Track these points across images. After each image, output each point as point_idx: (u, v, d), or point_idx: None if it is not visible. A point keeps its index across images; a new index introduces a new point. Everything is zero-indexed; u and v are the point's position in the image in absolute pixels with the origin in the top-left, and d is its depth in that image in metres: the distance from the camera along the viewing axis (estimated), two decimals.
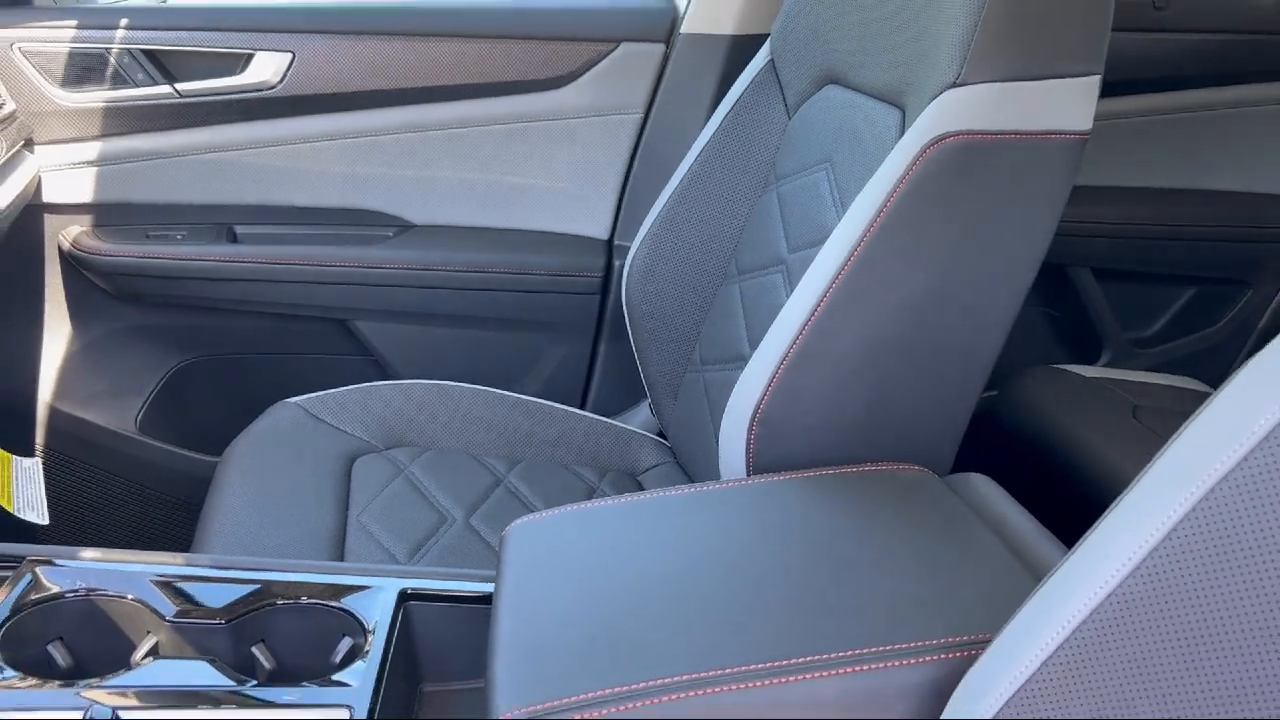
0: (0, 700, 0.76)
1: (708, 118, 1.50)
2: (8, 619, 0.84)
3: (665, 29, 1.67)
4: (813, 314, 1.04)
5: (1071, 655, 0.64)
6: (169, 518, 1.72)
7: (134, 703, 0.77)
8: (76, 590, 0.88)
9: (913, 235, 1.02)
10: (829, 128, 1.31)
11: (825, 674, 0.74)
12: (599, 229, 1.74)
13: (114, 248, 1.59)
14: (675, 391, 1.50)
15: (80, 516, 1.69)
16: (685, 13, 1.67)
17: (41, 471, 1.37)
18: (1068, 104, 1.02)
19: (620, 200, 1.74)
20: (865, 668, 0.75)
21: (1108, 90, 1.87)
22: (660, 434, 1.56)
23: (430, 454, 1.45)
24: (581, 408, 1.77)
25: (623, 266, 1.51)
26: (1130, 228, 1.89)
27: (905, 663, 0.75)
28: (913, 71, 1.11)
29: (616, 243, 1.74)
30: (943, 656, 0.75)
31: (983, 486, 1.04)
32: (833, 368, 1.05)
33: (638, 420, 1.69)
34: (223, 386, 1.74)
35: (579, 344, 1.76)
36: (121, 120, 1.57)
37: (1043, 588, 0.67)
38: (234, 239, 1.65)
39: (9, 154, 1.44)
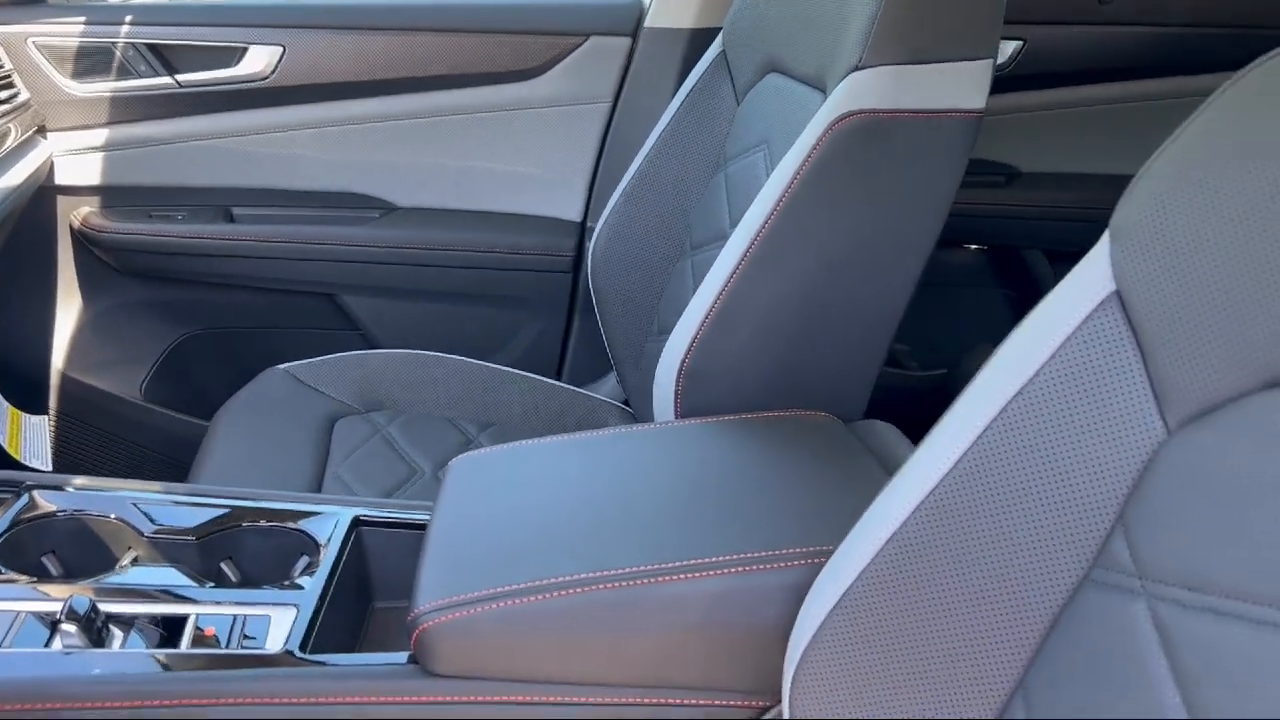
0: None
1: None
2: (6, 531, 0.96)
3: (631, 23, 1.79)
4: (730, 278, 1.15)
5: (895, 550, 0.75)
6: (168, 480, 1.85)
7: (113, 598, 0.89)
8: (66, 510, 1.00)
9: (820, 204, 1.13)
10: (768, 112, 1.42)
11: (700, 575, 0.86)
12: (572, 211, 1.86)
13: (120, 226, 1.73)
14: (637, 360, 1.61)
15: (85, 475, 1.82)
16: (650, 8, 1.78)
17: (48, 427, 1.50)
18: (961, 85, 1.13)
19: (591, 184, 1.86)
20: (735, 570, 0.86)
21: (1062, 80, 1.97)
22: (625, 402, 1.67)
23: (406, 417, 1.57)
24: (556, 379, 1.89)
25: None
26: (1081, 211, 1.99)
27: (772, 567, 0.86)
28: (830, 59, 1.22)
29: (588, 225, 1.86)
30: (805, 562, 0.86)
31: (884, 431, 1.14)
32: (749, 325, 1.16)
33: (605, 389, 1.81)
34: (221, 357, 1.87)
35: (553, 319, 1.87)
36: (127, 109, 1.71)
37: (878, 497, 0.78)
38: (231, 219, 1.78)
39: (23, 139, 1.57)
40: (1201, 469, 0.62)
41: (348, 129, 1.78)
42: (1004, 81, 1.93)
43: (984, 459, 0.71)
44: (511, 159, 1.83)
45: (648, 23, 1.78)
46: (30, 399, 1.72)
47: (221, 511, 1.03)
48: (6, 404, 1.50)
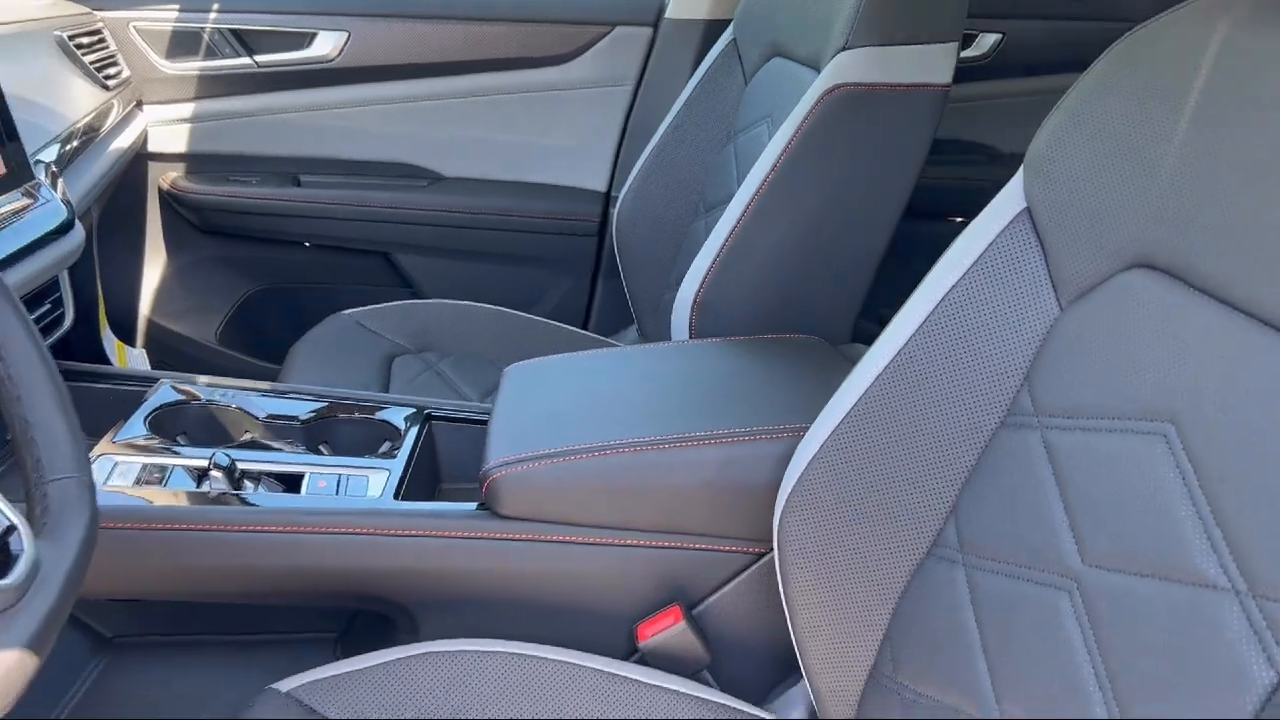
0: (154, 456, 1.11)
1: None
2: (151, 412, 1.19)
3: (653, 14, 2.01)
4: (736, 226, 1.37)
5: (857, 416, 0.96)
6: None
7: (243, 460, 1.12)
8: (198, 400, 1.23)
9: (811, 163, 1.35)
10: (772, 90, 1.64)
11: (708, 444, 1.08)
12: (598, 182, 2.08)
13: (202, 189, 1.96)
14: (654, 311, 1.83)
15: None
16: (669, 1, 2.00)
17: (147, 359, 1.72)
18: (931, 64, 1.34)
19: (616, 158, 2.08)
20: (736, 440, 1.08)
21: (1037, 70, 2.18)
22: None
23: (454, 357, 1.79)
24: (584, 329, 2.11)
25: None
26: None
27: (763, 438, 1.09)
28: (823, 43, 1.44)
29: (612, 194, 2.08)
30: (789, 435, 1.08)
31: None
32: (751, 265, 1.38)
33: (628, 340, 2.03)
34: (287, 309, 2.09)
35: (580, 277, 2.10)
36: (211, 86, 1.94)
37: (845, 380, 1.00)
38: (298, 184, 2.00)
39: (125, 112, 1.80)
40: (1081, 333, 0.84)
41: (402, 106, 2.00)
42: (985, 70, 2.14)
43: (924, 341, 0.93)
44: (545, 134, 2.05)
45: (668, 14, 2.00)
46: (124, 338, 1.95)
47: (320, 404, 1.26)
48: (114, 337, 1.73)
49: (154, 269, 2.01)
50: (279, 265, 2.07)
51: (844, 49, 1.34)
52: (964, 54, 2.16)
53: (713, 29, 1.95)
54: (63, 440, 0.73)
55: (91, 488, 0.73)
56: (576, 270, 2.09)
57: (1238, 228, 0.71)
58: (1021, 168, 0.92)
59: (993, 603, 0.85)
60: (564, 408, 1.16)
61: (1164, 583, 0.70)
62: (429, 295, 2.06)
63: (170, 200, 1.98)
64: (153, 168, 1.97)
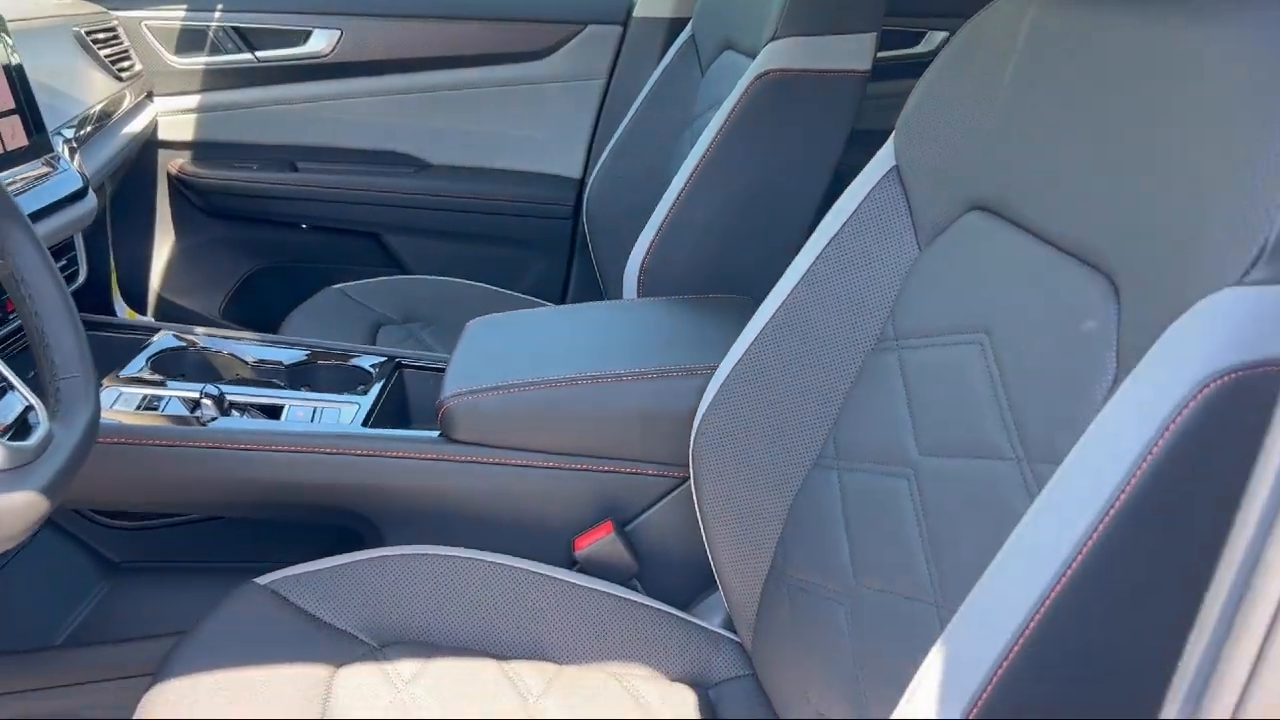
0: (153, 389, 1.27)
1: None
2: (151, 356, 1.35)
3: (623, 13, 2.16)
4: (678, 198, 1.52)
5: (751, 356, 1.11)
6: None
7: (232, 394, 1.27)
8: (194, 346, 1.38)
9: (744, 141, 1.50)
10: (722, 80, 1.79)
11: (637, 379, 1.23)
12: (572, 169, 2.23)
13: (207, 173, 2.12)
14: (621, 282, 1.98)
15: None
16: (637, 1, 2.16)
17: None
18: (851, 52, 1.49)
19: (589, 147, 2.23)
20: (658, 375, 1.23)
21: None
22: None
23: (436, 326, 1.94)
24: (561, 303, 2.26)
25: None
26: None
27: (682, 375, 1.23)
28: (759, 34, 1.59)
29: (586, 180, 2.23)
30: (706, 372, 1.23)
31: None
32: (691, 235, 1.53)
33: None
34: (285, 287, 2.25)
35: (557, 256, 2.25)
36: (216, 79, 2.10)
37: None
38: (295, 170, 2.16)
39: (135, 102, 1.96)
40: (932, 268, 0.99)
41: (390, 99, 2.16)
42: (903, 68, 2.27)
43: (810, 284, 1.08)
44: (523, 125, 2.20)
45: (636, 13, 2.15)
46: (135, 309, 2.11)
47: (303, 353, 1.41)
48: (126, 306, 1.89)
49: (164, 248, 2.17)
50: (278, 245, 2.22)
51: (774, 39, 1.49)
52: (915, 49, 2.31)
53: (676, 26, 2.11)
54: (71, 347, 0.88)
55: (95, 384, 0.88)
56: (553, 250, 2.24)
57: (1042, 175, 0.86)
58: (893, 132, 1.07)
59: (856, 497, 0.99)
60: (514, 350, 1.31)
61: (970, 460, 0.84)
62: (416, 273, 2.22)
63: (178, 184, 2.14)
64: (162, 154, 2.13)
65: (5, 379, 0.81)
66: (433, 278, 2.01)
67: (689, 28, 1.93)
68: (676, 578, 1.28)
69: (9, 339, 1.16)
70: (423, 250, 2.21)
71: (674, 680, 1.14)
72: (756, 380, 1.11)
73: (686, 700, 1.11)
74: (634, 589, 1.28)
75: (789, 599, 1.07)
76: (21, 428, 0.79)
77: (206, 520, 1.46)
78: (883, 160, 1.07)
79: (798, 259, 1.10)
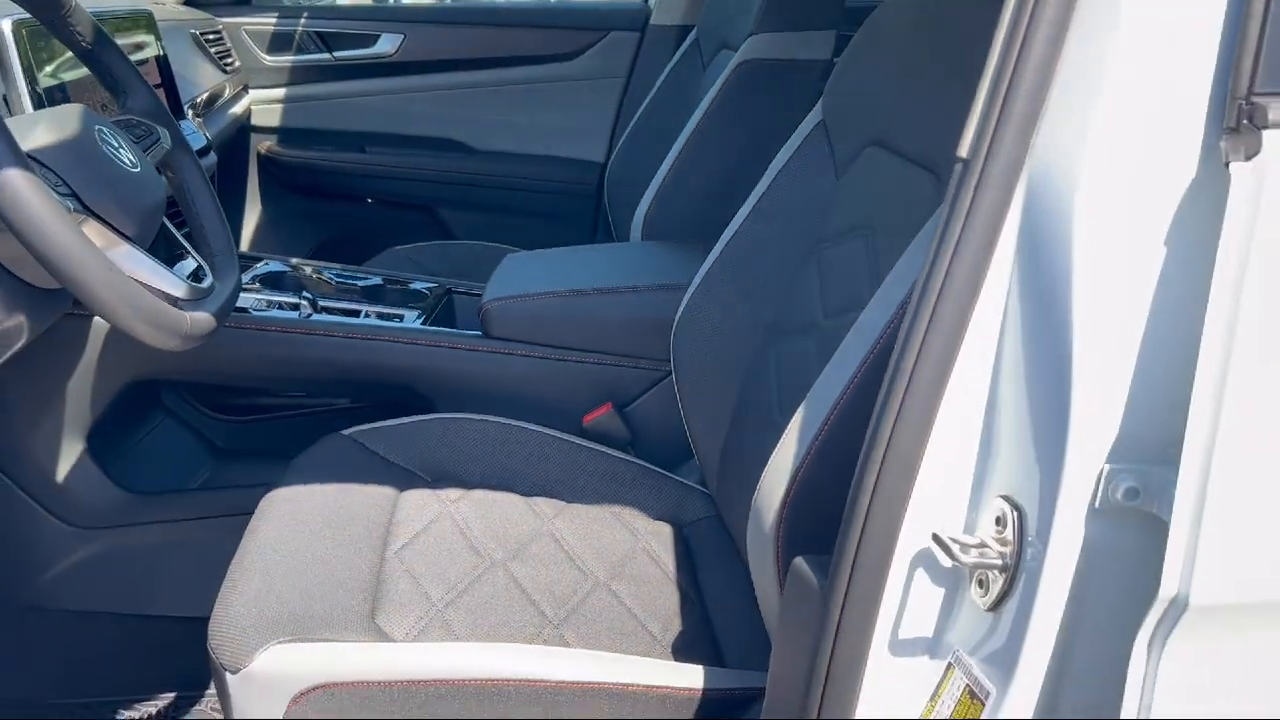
0: (258, 294, 1.62)
1: None
2: (259, 275, 1.70)
3: (641, 21, 2.51)
4: (676, 160, 1.86)
5: (711, 275, 1.44)
6: None
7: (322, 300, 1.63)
8: (292, 268, 1.74)
9: (727, 117, 1.83)
10: (719, 74, 2.13)
11: (629, 292, 1.57)
12: (597, 154, 2.58)
13: (291, 154, 2.49)
14: None
15: None
16: (653, 10, 2.50)
17: None
18: (815, 45, 1.82)
19: (611, 136, 2.58)
20: (650, 289, 1.57)
21: None
22: None
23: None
24: None
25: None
26: None
27: (667, 289, 1.57)
28: (742, 32, 1.93)
29: (607, 164, 2.57)
30: (683, 288, 1.56)
31: None
32: (685, 190, 1.87)
33: None
34: (353, 252, 2.61)
35: (582, 227, 2.59)
36: (300, 74, 2.47)
37: None
38: (364, 152, 2.53)
39: (234, 93, 2.34)
40: (843, 190, 1.31)
41: (444, 93, 2.52)
42: None
43: (754, 216, 1.41)
44: (554, 116, 2.55)
45: (652, 21, 2.50)
46: None
47: (376, 279, 1.77)
48: None
49: (252, 218, 2.55)
50: (346, 217, 2.59)
51: (752, 34, 1.83)
52: None
53: (685, 31, 2.45)
54: (221, 236, 1.24)
55: (237, 261, 1.24)
56: (578, 222, 2.58)
57: (909, 114, 1.18)
58: (824, 93, 1.40)
59: (783, 358, 1.32)
60: (540, 272, 1.66)
61: (852, 313, 1.17)
62: (461, 237, 2.57)
63: (267, 163, 2.51)
64: (254, 137, 2.50)
65: (185, 249, 1.17)
66: (474, 242, 2.35)
67: (694, 32, 2.27)
68: (662, 448, 1.61)
69: (181, 228, 1.52)
70: (469, 221, 2.56)
71: (656, 519, 1.46)
72: (716, 288, 1.45)
73: (665, 532, 1.43)
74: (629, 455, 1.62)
75: (737, 447, 1.40)
76: (195, 278, 1.14)
77: (291, 418, 1.80)
78: (813, 116, 1.40)
79: (748, 200, 1.43)
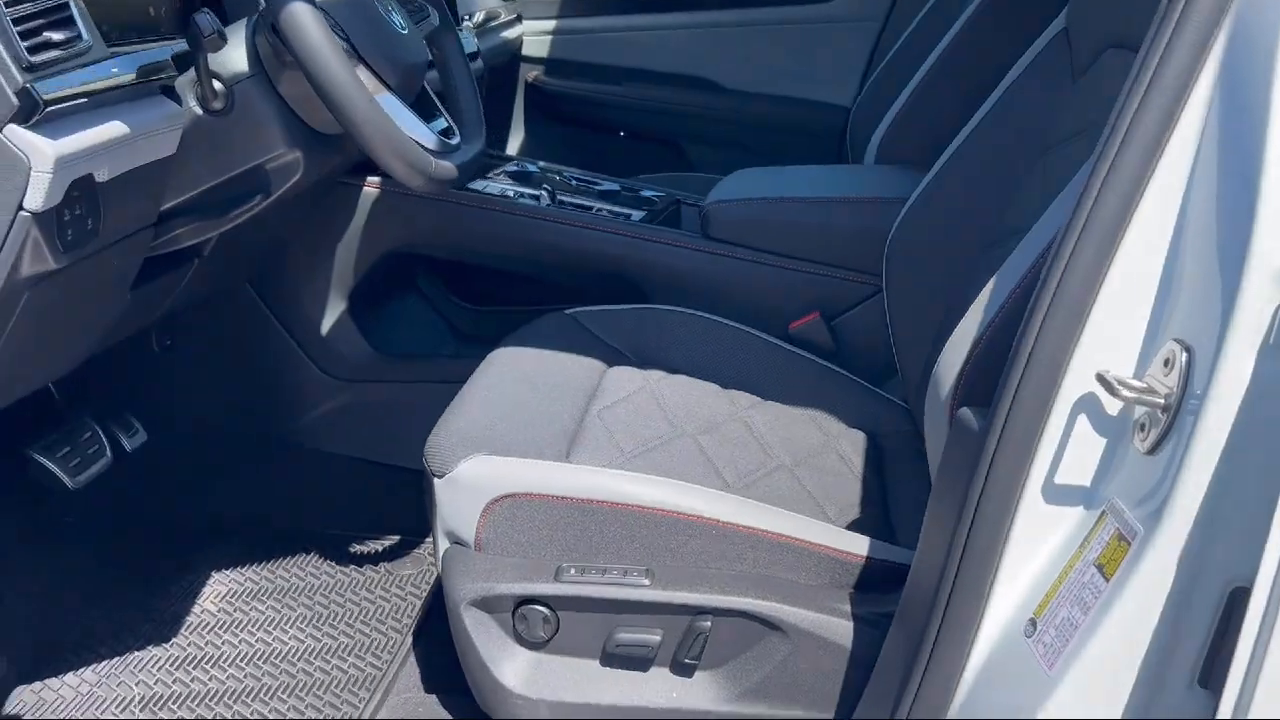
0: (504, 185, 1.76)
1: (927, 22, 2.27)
2: (508, 171, 1.85)
3: None
4: (905, 101, 1.84)
5: (924, 197, 1.44)
6: None
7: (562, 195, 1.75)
8: (538, 168, 1.88)
9: (968, 49, 1.79)
10: None
11: (843, 203, 1.58)
12: (844, 98, 2.57)
13: (554, 83, 2.65)
14: None
15: None
16: None
17: None
18: None
19: (862, 80, 2.57)
20: (863, 201, 1.58)
21: None
22: None
23: None
24: None
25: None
26: None
27: (880, 203, 1.57)
28: None
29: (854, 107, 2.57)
30: (900, 203, 1.55)
31: None
32: (920, 118, 1.84)
33: None
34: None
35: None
36: (569, 7, 2.63)
37: None
38: (620, 85, 2.65)
39: (509, 19, 2.52)
40: (1077, 94, 1.28)
41: (701, 30, 2.60)
42: None
43: (977, 136, 1.39)
44: (806, 58, 2.57)
45: None
46: None
47: (614, 184, 1.87)
48: None
49: (515, 141, 2.73)
50: (599, 148, 2.72)
51: None
52: None
53: None
54: (472, 104, 1.37)
55: (483, 129, 1.36)
56: (827, 158, 2.58)
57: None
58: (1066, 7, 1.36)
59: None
60: (763, 182, 1.70)
61: None
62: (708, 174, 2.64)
63: (532, 91, 2.69)
64: (523, 67, 2.68)
65: (439, 110, 1.30)
66: (716, 177, 2.41)
67: None
68: (866, 364, 1.62)
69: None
70: (712, 157, 2.63)
71: (852, 426, 1.47)
72: (936, 202, 1.44)
73: (859, 438, 1.44)
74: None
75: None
76: (445, 135, 1.26)
77: (526, 311, 1.94)
78: (1055, 26, 1.37)
79: (978, 110, 1.41)
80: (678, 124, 2.62)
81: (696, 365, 1.49)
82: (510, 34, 2.48)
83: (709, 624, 1.06)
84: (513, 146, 2.72)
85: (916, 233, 1.48)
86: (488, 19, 2.28)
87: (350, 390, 1.76)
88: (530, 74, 2.68)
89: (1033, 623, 0.79)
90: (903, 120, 1.85)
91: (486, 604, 1.10)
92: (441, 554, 1.17)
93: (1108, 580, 0.73)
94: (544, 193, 1.70)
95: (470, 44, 1.87)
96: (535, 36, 2.66)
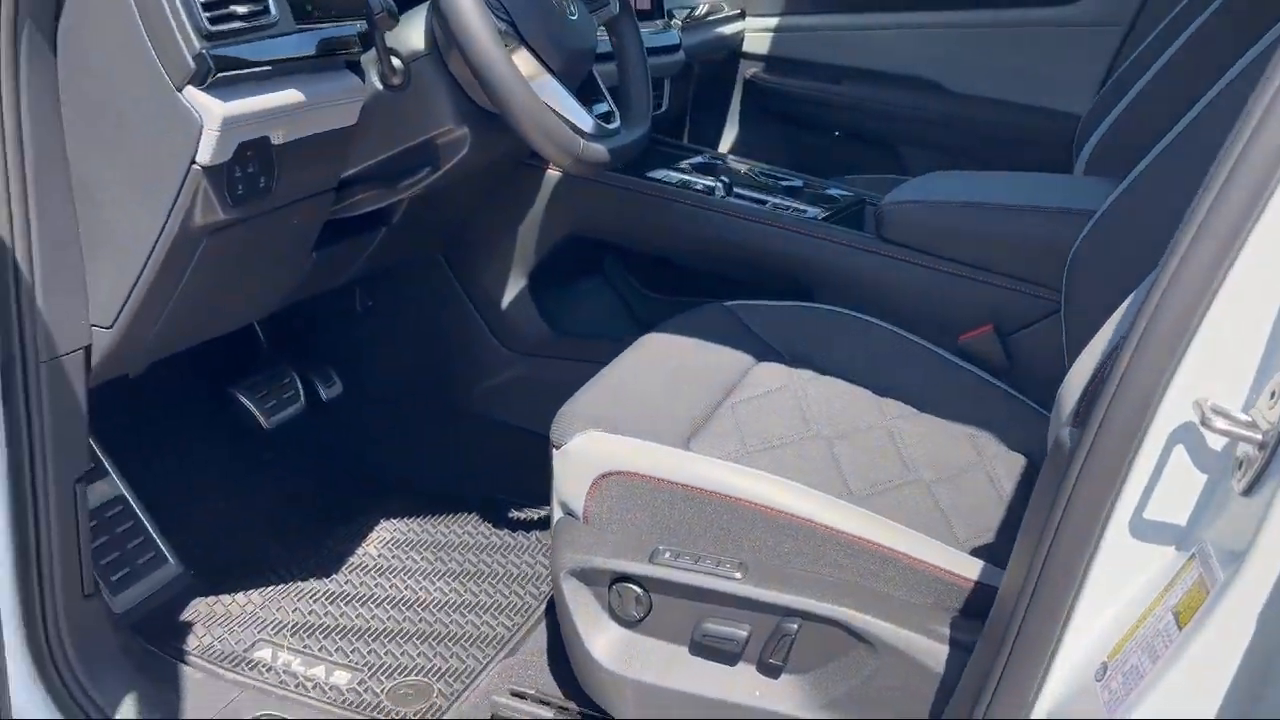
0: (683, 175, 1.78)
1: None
2: (692, 162, 1.86)
3: None
4: (1124, 109, 1.70)
5: (1111, 212, 1.32)
6: None
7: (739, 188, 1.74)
8: (723, 161, 1.88)
9: (1200, 53, 1.63)
10: None
11: (1026, 211, 1.49)
12: (1078, 106, 2.40)
13: (773, 80, 2.64)
14: None
15: None
16: None
17: None
18: None
19: (1100, 89, 2.39)
20: (1045, 212, 1.47)
21: None
22: None
23: None
24: None
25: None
26: None
27: (1069, 214, 1.46)
28: None
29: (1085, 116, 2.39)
30: (1081, 216, 1.44)
31: None
32: (1133, 139, 1.70)
33: None
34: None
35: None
36: (791, 4, 2.60)
37: None
38: (838, 84, 2.59)
39: (731, 14, 2.53)
40: None
41: (928, 31, 2.50)
42: None
43: (1186, 137, 1.27)
44: (1042, 64, 2.42)
45: None
46: None
47: (798, 181, 1.85)
48: None
49: (729, 136, 2.74)
50: (813, 147, 2.68)
51: None
52: None
53: None
54: (641, 91, 1.39)
55: (648, 119, 1.38)
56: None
57: None
58: None
59: None
60: (948, 186, 1.63)
61: None
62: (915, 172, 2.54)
63: (750, 87, 2.69)
64: (742, 64, 2.69)
65: (602, 93, 1.34)
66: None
67: None
68: (1042, 384, 1.51)
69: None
70: (927, 161, 2.51)
71: (1012, 449, 1.38)
72: (1128, 214, 1.33)
73: (1017, 462, 1.35)
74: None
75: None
76: (604, 120, 1.30)
77: (703, 302, 1.94)
78: (1277, 30, 1.23)
79: (1189, 111, 1.29)
80: (894, 126, 2.55)
81: (850, 369, 1.44)
82: (729, 30, 2.49)
83: (796, 626, 1.04)
84: (726, 142, 2.73)
85: (1102, 247, 1.37)
86: (707, 14, 2.30)
87: (524, 364, 1.83)
88: (749, 70, 2.68)
89: (1104, 666, 0.73)
90: (1116, 131, 1.72)
91: (585, 575, 1.12)
92: (554, 522, 1.20)
93: (1180, 629, 0.66)
94: (719, 184, 1.70)
95: (672, 37, 1.90)
96: (757, 33, 2.66)
